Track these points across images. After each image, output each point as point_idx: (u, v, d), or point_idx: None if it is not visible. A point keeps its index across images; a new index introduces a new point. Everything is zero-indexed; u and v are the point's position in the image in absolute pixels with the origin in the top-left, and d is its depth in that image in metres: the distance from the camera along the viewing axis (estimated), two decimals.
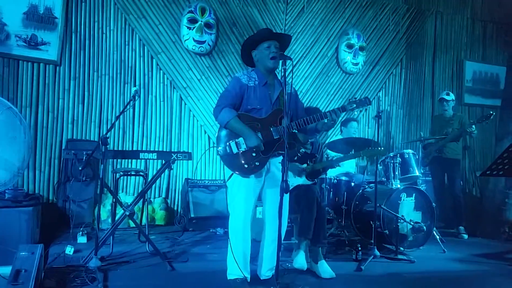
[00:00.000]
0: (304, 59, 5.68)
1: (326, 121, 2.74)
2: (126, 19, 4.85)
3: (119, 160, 4.59)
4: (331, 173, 4.22)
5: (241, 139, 2.65)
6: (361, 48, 5.82)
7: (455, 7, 6.59)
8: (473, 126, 4.70)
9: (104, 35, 4.78)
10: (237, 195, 2.71)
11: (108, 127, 4.57)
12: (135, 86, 4.80)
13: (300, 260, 3.07)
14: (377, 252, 3.48)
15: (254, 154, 2.65)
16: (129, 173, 4.04)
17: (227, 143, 2.67)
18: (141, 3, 4.88)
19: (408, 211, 3.84)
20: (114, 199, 3.50)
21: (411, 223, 3.74)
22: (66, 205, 4.26)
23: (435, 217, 3.98)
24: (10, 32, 4.31)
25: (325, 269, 3.06)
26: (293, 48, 5.55)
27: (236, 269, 2.66)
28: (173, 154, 3.38)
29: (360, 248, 3.53)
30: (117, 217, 3.47)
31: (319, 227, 3.18)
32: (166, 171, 3.97)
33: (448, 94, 5.18)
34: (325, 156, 4.25)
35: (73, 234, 3.73)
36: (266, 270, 2.83)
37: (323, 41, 5.79)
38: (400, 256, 3.64)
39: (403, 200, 3.85)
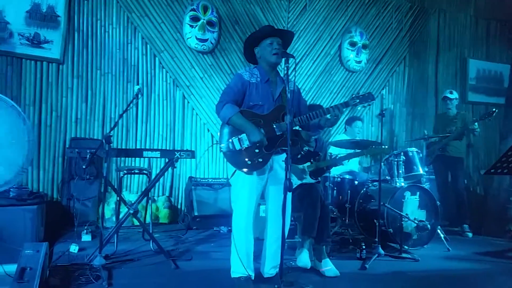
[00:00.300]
0: (306, 57, 5.67)
1: (329, 117, 2.72)
2: (128, 17, 4.85)
3: (122, 158, 4.60)
4: (335, 171, 4.20)
5: (243, 136, 2.64)
6: (364, 46, 5.80)
7: (458, 5, 6.56)
8: (476, 123, 4.68)
9: (106, 33, 4.78)
10: (240, 193, 2.71)
11: (112, 125, 4.58)
12: (138, 84, 4.81)
13: (303, 259, 3.06)
14: (381, 251, 3.47)
15: (257, 151, 2.63)
16: (132, 171, 4.04)
17: (230, 140, 2.65)
18: (144, 1, 4.88)
19: (412, 210, 3.82)
20: (118, 198, 3.50)
21: (415, 221, 3.72)
22: (70, 203, 4.26)
23: (439, 216, 3.96)
24: (13, 31, 4.31)
25: (329, 267, 3.05)
26: (296, 46, 5.54)
27: (240, 267, 2.65)
28: (176, 153, 3.37)
29: (364, 247, 3.52)
30: (121, 215, 3.47)
31: (322, 225, 3.16)
32: (170, 169, 3.98)
33: (451, 93, 5.16)
34: (329, 154, 4.24)
35: (78, 232, 3.73)
36: (270, 268, 2.82)
37: (326, 39, 5.78)
38: (404, 255, 3.62)
39: (407, 198, 3.83)
